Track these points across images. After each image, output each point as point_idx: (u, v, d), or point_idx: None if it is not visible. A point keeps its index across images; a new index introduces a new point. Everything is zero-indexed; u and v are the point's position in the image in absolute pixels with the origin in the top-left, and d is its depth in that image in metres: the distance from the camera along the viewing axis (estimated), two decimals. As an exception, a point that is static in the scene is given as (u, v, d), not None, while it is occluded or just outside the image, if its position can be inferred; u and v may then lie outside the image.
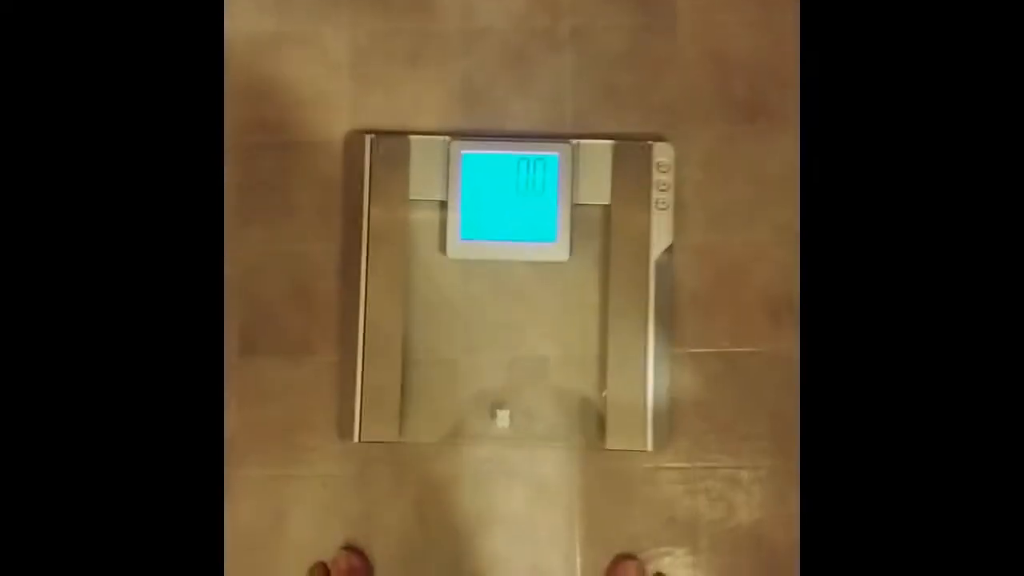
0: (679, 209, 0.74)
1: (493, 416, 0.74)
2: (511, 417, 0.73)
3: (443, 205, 0.74)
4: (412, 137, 0.74)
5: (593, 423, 0.74)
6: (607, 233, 0.74)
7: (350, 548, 0.73)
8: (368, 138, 0.74)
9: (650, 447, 0.72)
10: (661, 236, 0.73)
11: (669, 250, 0.73)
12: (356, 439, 0.73)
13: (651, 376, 0.73)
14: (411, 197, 0.74)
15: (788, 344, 0.75)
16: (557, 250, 0.73)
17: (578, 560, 0.74)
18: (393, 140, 0.74)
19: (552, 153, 0.73)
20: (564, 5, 0.76)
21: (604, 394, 0.73)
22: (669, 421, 0.74)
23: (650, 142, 0.74)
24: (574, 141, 0.74)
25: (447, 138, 0.74)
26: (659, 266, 0.73)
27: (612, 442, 0.72)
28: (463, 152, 0.73)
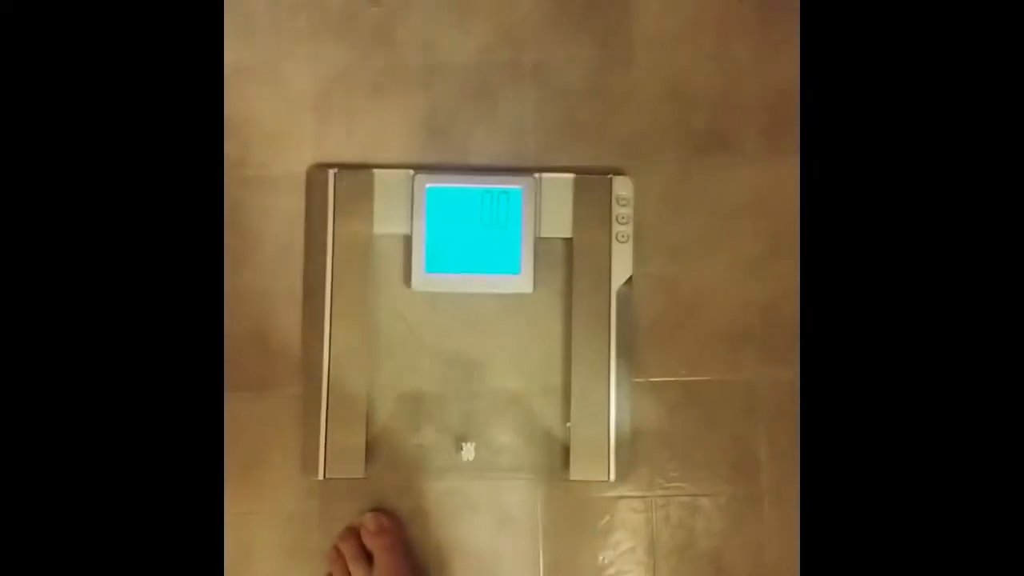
0: (638, 241, 0.76)
1: (458, 449, 0.74)
2: (476, 450, 0.74)
3: (407, 239, 0.74)
4: (376, 171, 0.74)
5: (557, 454, 0.74)
6: (569, 265, 0.75)
7: (377, 509, 0.73)
8: (331, 172, 0.74)
9: (612, 477, 0.73)
10: (622, 268, 0.74)
11: (629, 281, 0.75)
12: (321, 476, 0.73)
13: (613, 406, 0.74)
14: (375, 231, 0.74)
15: (745, 373, 0.76)
16: (521, 282, 0.74)
17: (543, 590, 0.74)
18: (356, 174, 0.74)
19: (516, 187, 0.74)
20: (525, 39, 0.77)
21: (568, 425, 0.74)
22: (631, 451, 0.75)
23: (610, 176, 0.75)
24: (537, 175, 0.74)
25: (411, 171, 0.74)
26: (620, 297, 0.74)
27: (576, 473, 0.73)
28: (427, 186, 0.74)
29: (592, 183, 0.75)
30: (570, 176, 0.75)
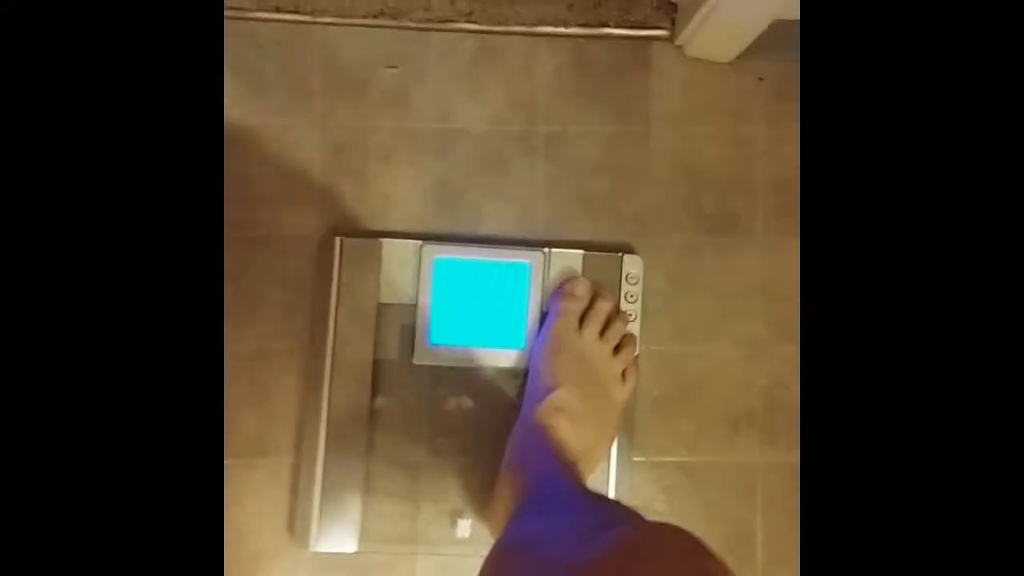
0: (645, 318, 0.75)
1: (453, 525, 0.73)
2: (472, 526, 0.73)
3: (412, 308, 0.73)
4: (384, 240, 0.73)
5: (556, 534, 0.73)
6: (575, 342, 0.74)
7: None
8: (338, 240, 0.73)
9: (611, 558, 0.72)
10: (636, 352, 0.74)
11: (635, 359, 0.74)
12: (312, 548, 0.71)
13: (613, 484, 0.73)
14: (380, 300, 0.73)
15: (746, 455, 0.76)
16: (526, 357, 0.73)
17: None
18: (364, 243, 0.73)
19: (524, 260, 0.73)
20: (541, 110, 0.76)
21: (567, 504, 0.73)
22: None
23: (620, 254, 0.74)
24: (546, 249, 0.74)
25: (419, 242, 0.73)
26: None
27: (575, 554, 0.72)
28: (435, 257, 0.73)
29: (602, 260, 0.74)
30: (580, 252, 0.74)
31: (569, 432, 0.66)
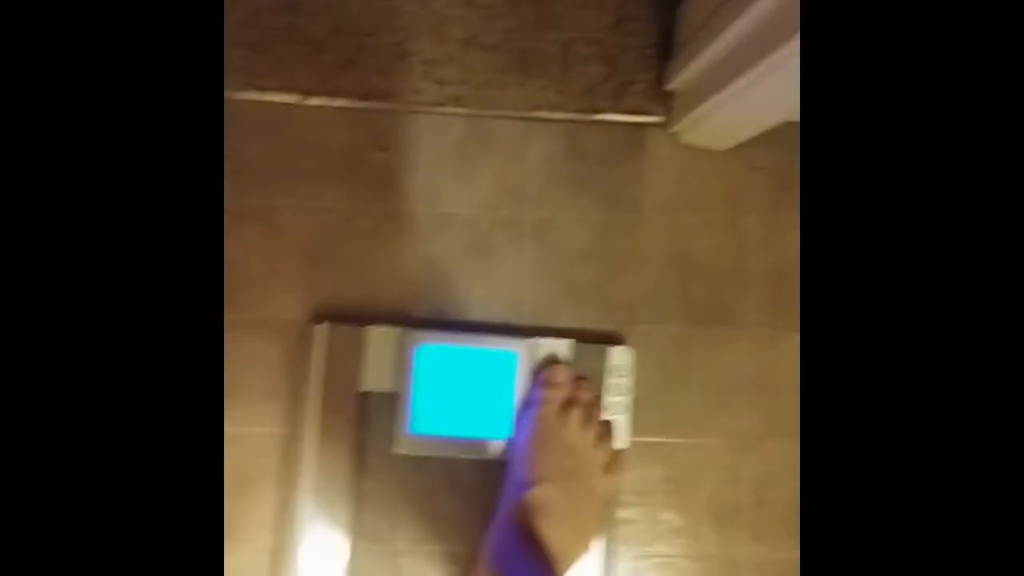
0: (633, 408, 0.74)
1: (434, 616, 0.72)
2: (453, 619, 0.72)
3: (394, 396, 0.72)
4: (368, 328, 0.72)
5: (536, 630, 0.72)
6: (561, 433, 0.73)
7: None
8: (321, 327, 0.72)
9: (592, 656, 0.71)
10: (616, 439, 0.73)
11: (620, 452, 0.73)
12: (290, 640, 0.70)
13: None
14: (363, 388, 0.72)
15: (732, 550, 0.75)
16: (509, 445, 0.72)
17: None
18: (348, 330, 0.72)
19: (512, 349, 0.72)
20: (530, 196, 0.75)
21: (549, 599, 0.72)
22: (612, 627, 0.73)
23: (610, 346, 0.73)
24: (532, 339, 0.73)
25: (402, 329, 0.72)
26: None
27: (554, 652, 0.71)
28: (418, 344, 0.72)
29: (589, 352, 0.73)
30: (569, 342, 0.73)
31: (547, 533, 0.65)
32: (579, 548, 0.69)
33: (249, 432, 0.73)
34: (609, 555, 0.73)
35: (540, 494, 0.66)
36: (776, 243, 0.76)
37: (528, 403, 0.72)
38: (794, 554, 0.75)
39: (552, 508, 0.66)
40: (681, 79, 0.70)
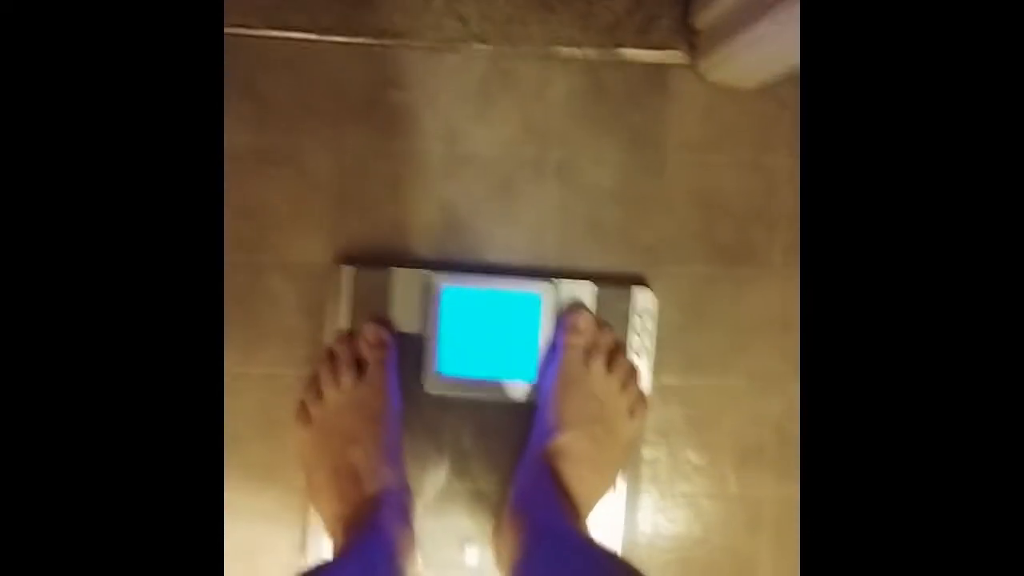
0: (656, 350, 0.74)
1: (462, 551, 0.74)
2: (480, 554, 0.74)
3: (421, 338, 0.73)
4: (393, 270, 0.72)
5: (560, 565, 0.74)
6: (584, 374, 0.73)
7: (379, 320, 0.72)
8: (347, 269, 0.72)
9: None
10: (640, 382, 0.73)
11: (644, 395, 0.73)
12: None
13: (623, 515, 0.74)
14: (393, 328, 0.72)
15: (755, 488, 0.76)
16: (535, 389, 0.73)
17: None
18: (374, 273, 0.72)
19: (535, 292, 0.72)
20: (553, 136, 0.74)
21: (573, 535, 0.73)
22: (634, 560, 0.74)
23: (632, 287, 0.73)
24: (556, 281, 0.73)
25: (428, 272, 0.72)
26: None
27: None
28: (444, 286, 0.72)
29: (613, 293, 0.73)
30: (591, 286, 0.73)
31: (573, 476, 0.66)
32: (603, 490, 0.70)
33: (278, 373, 0.74)
34: (632, 494, 0.74)
35: (566, 440, 0.67)
36: (803, 182, 0.75)
37: (552, 349, 0.72)
38: (816, 491, 0.76)
39: (577, 453, 0.67)
40: (708, 15, 0.68)
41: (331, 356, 0.70)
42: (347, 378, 0.69)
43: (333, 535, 0.66)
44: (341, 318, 0.72)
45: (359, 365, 0.69)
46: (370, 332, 0.70)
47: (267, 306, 0.74)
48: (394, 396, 0.70)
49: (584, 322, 0.70)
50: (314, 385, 0.69)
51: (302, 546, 0.74)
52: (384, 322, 0.72)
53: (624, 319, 0.73)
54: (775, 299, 0.75)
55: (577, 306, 0.72)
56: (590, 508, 0.69)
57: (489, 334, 0.73)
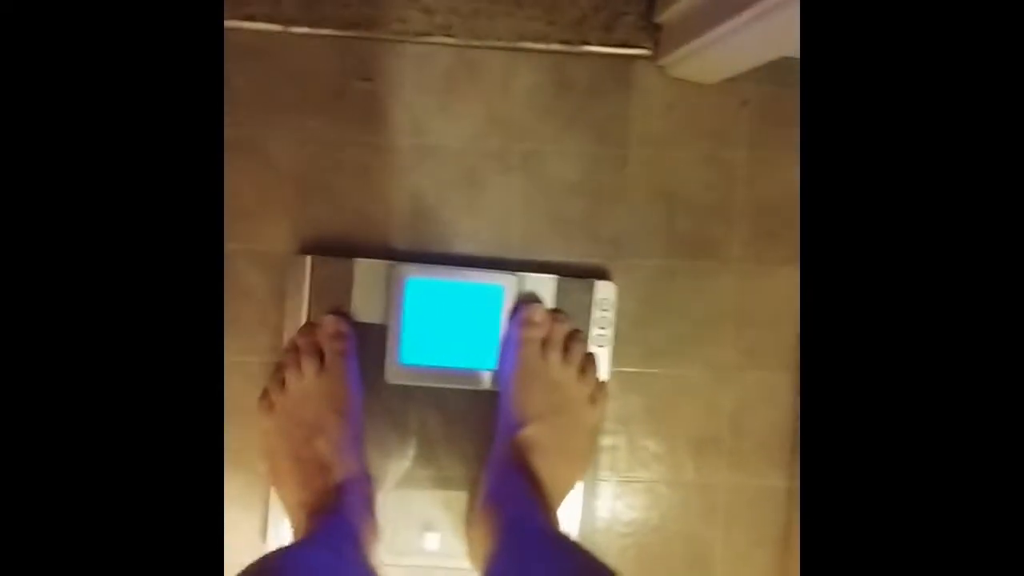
0: (616, 340, 0.75)
1: (421, 538, 0.75)
2: (440, 540, 0.75)
3: (383, 328, 0.73)
4: (356, 260, 0.73)
5: (520, 550, 0.76)
6: (546, 365, 0.74)
7: (338, 313, 0.72)
8: (309, 259, 0.73)
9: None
10: (599, 371, 0.74)
11: (603, 383, 0.75)
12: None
13: (578, 502, 0.75)
14: (353, 319, 0.73)
15: (710, 476, 0.78)
16: (496, 378, 0.74)
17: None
18: (336, 263, 0.73)
19: (498, 283, 0.73)
20: (517, 129, 0.75)
21: (532, 521, 0.75)
22: (591, 546, 0.76)
23: (593, 280, 0.74)
24: (519, 274, 0.74)
25: (392, 262, 0.73)
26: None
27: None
28: (407, 277, 0.73)
29: (575, 286, 0.74)
30: (553, 278, 0.74)
31: (542, 467, 0.68)
32: (573, 479, 0.72)
33: (243, 361, 0.75)
34: (591, 481, 0.76)
35: (531, 433, 0.69)
36: (763, 178, 0.76)
37: (507, 344, 0.73)
38: (769, 480, 0.78)
39: (543, 445, 0.68)
40: (672, 12, 0.69)
41: (293, 347, 0.71)
42: (309, 368, 0.69)
43: (296, 522, 0.67)
44: (302, 308, 0.73)
45: (321, 355, 0.70)
46: (329, 323, 0.71)
47: (234, 294, 0.74)
48: (355, 386, 0.71)
49: (538, 315, 0.71)
50: (277, 375, 0.70)
51: (263, 531, 0.75)
52: (343, 313, 0.72)
53: (586, 310, 0.74)
54: (732, 292, 0.77)
55: (530, 299, 0.73)
56: (562, 497, 0.70)
57: (452, 324, 0.74)
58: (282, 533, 0.74)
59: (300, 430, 0.68)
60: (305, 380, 0.69)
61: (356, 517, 0.64)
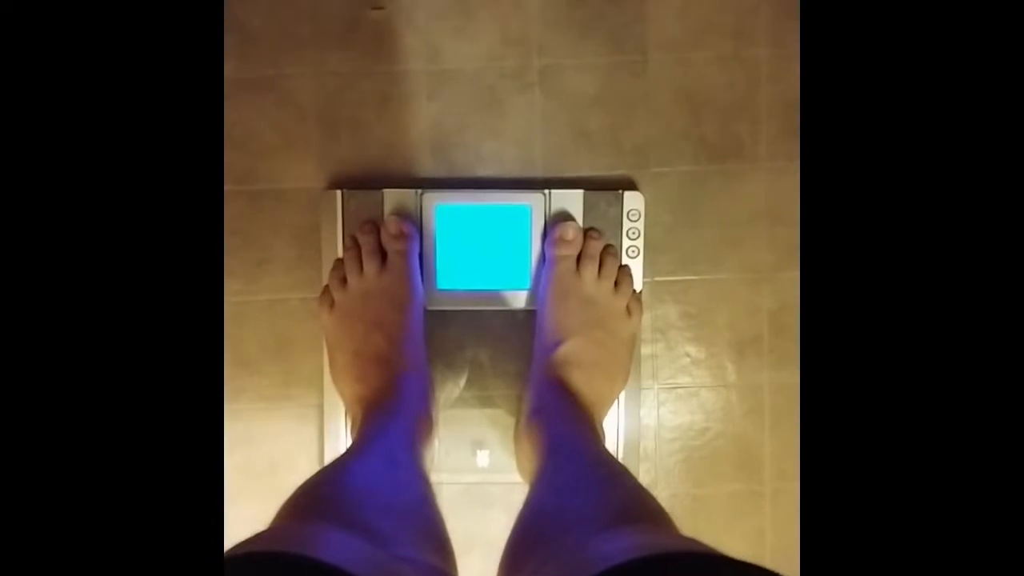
0: (648, 251, 0.76)
1: (474, 455, 0.77)
2: (490, 456, 0.77)
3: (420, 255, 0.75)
4: (385, 191, 0.74)
5: (568, 461, 0.77)
6: (580, 279, 0.75)
7: (400, 214, 0.74)
8: (339, 193, 0.74)
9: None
10: (634, 283, 0.75)
11: (639, 293, 0.75)
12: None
13: (621, 411, 0.77)
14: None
15: (753, 377, 0.78)
16: (532, 297, 0.75)
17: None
18: (365, 195, 0.74)
19: (525, 203, 0.74)
20: (533, 45, 0.74)
21: (578, 432, 0.76)
22: (636, 454, 0.78)
23: (621, 191, 0.74)
24: (546, 191, 0.74)
25: (419, 190, 0.74)
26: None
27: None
28: (436, 203, 0.74)
29: (602, 198, 0.74)
30: (580, 192, 0.74)
31: (582, 382, 0.69)
32: (615, 391, 0.73)
33: (283, 298, 0.77)
34: (633, 390, 0.77)
35: (569, 349, 0.70)
36: (786, 73, 0.74)
37: (543, 263, 0.74)
38: (811, 376, 0.78)
39: (583, 359, 0.69)
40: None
41: (354, 244, 0.72)
42: (370, 266, 0.71)
43: (353, 416, 0.69)
44: (337, 242, 0.74)
45: (383, 255, 0.72)
46: (392, 224, 0.72)
47: (266, 234, 0.76)
48: (416, 285, 0.72)
49: (571, 232, 0.72)
50: (337, 272, 0.72)
51: (320, 459, 0.78)
52: (406, 215, 0.73)
53: (615, 223, 0.75)
54: (762, 192, 0.76)
55: (562, 217, 0.74)
56: (605, 409, 0.71)
57: (484, 247, 0.75)
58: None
59: (360, 326, 0.70)
60: (366, 279, 0.71)
61: (412, 413, 0.65)
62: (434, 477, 0.76)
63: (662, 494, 0.79)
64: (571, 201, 0.74)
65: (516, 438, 0.75)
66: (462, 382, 0.77)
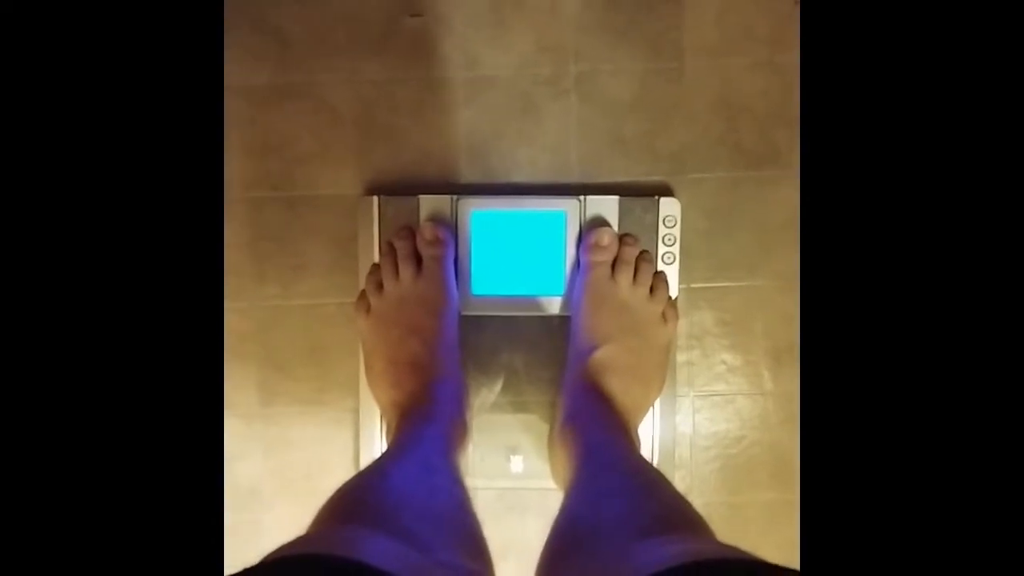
0: (684, 257, 0.75)
1: (508, 460, 0.77)
2: (524, 461, 0.77)
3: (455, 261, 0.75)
4: (420, 197, 0.74)
5: (602, 468, 0.77)
6: (615, 285, 0.75)
7: (436, 220, 0.74)
8: (376, 199, 0.74)
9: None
10: (669, 289, 0.74)
11: (674, 299, 0.75)
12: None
13: (657, 418, 0.76)
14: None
15: (788, 386, 0.77)
16: (566, 303, 0.75)
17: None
18: (401, 201, 0.74)
19: (560, 209, 0.74)
20: (569, 51, 0.74)
21: (612, 439, 0.76)
22: (671, 461, 0.78)
23: (657, 197, 0.74)
24: (581, 197, 0.74)
25: (455, 197, 0.74)
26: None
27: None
28: (472, 210, 0.74)
29: (638, 204, 0.74)
30: (615, 198, 0.74)
31: (617, 388, 0.69)
32: (649, 398, 0.72)
33: (320, 303, 0.77)
34: (669, 397, 0.76)
35: (604, 355, 0.69)
36: (823, 78, 0.74)
37: (577, 269, 0.74)
38: (848, 384, 0.77)
39: (617, 366, 0.69)
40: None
41: (391, 251, 0.73)
42: (406, 272, 0.71)
43: (388, 421, 0.69)
44: (373, 248, 0.75)
45: (418, 260, 0.72)
46: (427, 229, 0.72)
47: (302, 239, 0.77)
48: (451, 291, 0.73)
49: (606, 238, 0.72)
50: (373, 277, 0.72)
51: (356, 464, 0.78)
52: (441, 221, 0.74)
53: (651, 229, 0.74)
54: (795, 200, 0.75)
55: (598, 223, 0.74)
56: (640, 416, 0.71)
57: (519, 253, 0.75)
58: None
59: (395, 331, 0.70)
60: (402, 284, 0.71)
61: (446, 419, 0.66)
62: (468, 483, 0.76)
63: (696, 502, 0.78)
64: (606, 207, 0.74)
65: (550, 444, 0.75)
66: (496, 388, 0.77)
